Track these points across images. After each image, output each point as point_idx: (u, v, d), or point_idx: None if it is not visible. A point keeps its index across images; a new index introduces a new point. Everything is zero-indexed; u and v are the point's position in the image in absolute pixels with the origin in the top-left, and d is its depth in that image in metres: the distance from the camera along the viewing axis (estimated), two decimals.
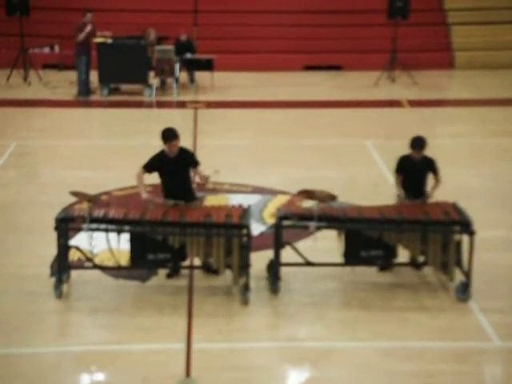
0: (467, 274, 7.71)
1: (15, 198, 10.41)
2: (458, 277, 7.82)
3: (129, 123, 14.44)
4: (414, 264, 8.23)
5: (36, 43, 18.29)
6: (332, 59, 19.57)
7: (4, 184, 10.98)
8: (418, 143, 8.14)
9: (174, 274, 8.15)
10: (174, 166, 7.96)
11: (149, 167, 8.08)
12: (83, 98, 16.11)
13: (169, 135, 7.91)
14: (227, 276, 7.81)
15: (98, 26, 18.49)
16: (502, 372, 6.79)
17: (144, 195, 8.05)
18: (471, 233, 7.62)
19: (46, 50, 18.28)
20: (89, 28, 15.80)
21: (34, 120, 14.48)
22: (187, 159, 8.04)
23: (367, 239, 7.74)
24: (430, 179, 8.34)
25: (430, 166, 8.27)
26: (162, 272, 8.18)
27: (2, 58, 18.14)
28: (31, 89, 16.94)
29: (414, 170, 8.20)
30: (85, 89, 16.16)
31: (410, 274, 8.27)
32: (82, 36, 15.78)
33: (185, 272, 8.20)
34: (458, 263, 7.83)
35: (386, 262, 8.05)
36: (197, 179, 8.22)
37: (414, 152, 8.15)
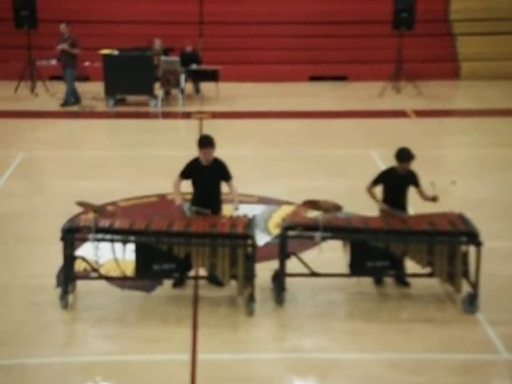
0: (474, 286, 7.67)
1: (22, 209, 10.42)
2: (465, 288, 7.79)
3: (134, 134, 14.46)
4: (401, 280, 8.22)
5: (43, 55, 18.36)
6: (337, 69, 19.60)
7: (11, 195, 11.00)
8: (406, 155, 8.04)
9: (179, 283, 8.13)
10: (206, 175, 8.01)
11: (184, 173, 8.14)
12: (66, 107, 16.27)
13: (204, 142, 8.00)
14: (232, 286, 7.79)
15: (104, 37, 18.65)
16: None
17: (178, 201, 8.06)
18: (478, 244, 7.59)
19: (53, 62, 18.33)
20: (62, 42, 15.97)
21: (41, 131, 14.51)
22: (220, 171, 8.07)
23: (373, 250, 7.72)
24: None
25: (413, 179, 8.18)
26: (167, 282, 8.17)
27: (10, 69, 18.21)
28: (38, 100, 17.00)
29: (398, 183, 8.11)
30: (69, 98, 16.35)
31: (416, 285, 8.23)
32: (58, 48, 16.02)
33: (190, 282, 8.19)
34: (465, 274, 7.80)
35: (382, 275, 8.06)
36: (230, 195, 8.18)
37: (402, 164, 8.06)
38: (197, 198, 8.12)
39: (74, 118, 15.83)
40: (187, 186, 8.24)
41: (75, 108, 16.24)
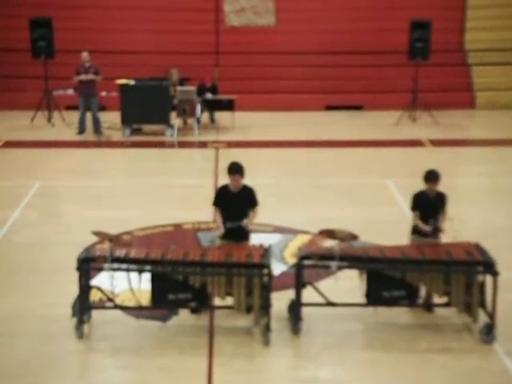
0: (491, 316, 7.61)
1: (37, 238, 10.47)
2: (482, 318, 7.73)
3: (151, 163, 14.54)
4: (426, 305, 8.16)
5: (60, 85, 18.56)
6: (353, 99, 19.66)
7: (26, 224, 11.05)
8: (433, 176, 8.16)
9: (198, 309, 8.10)
10: (234, 202, 8.09)
11: (215, 202, 8.25)
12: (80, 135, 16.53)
13: (232, 169, 8.13)
14: (248, 316, 7.77)
15: (121, 67, 18.86)
16: None
17: (219, 232, 8.16)
18: (495, 273, 7.54)
19: (70, 91, 18.54)
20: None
21: (57, 160, 14.62)
22: (248, 197, 8.16)
23: (389, 279, 7.68)
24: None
25: (443, 201, 8.27)
26: (183, 312, 8.15)
27: (27, 99, 18.39)
28: (55, 130, 17.14)
29: (429, 205, 8.22)
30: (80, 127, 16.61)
31: (433, 315, 8.18)
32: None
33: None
34: (482, 304, 7.74)
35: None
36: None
37: (429, 185, 8.16)
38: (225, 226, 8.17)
39: (90, 147, 15.94)
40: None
41: (93, 138, 16.39)
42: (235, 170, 8.11)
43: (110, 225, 9.87)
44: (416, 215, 8.33)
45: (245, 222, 8.10)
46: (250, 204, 8.18)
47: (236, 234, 8.12)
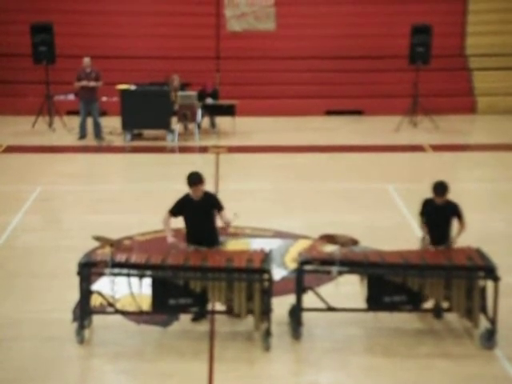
0: (492, 321, 7.60)
1: (38, 243, 10.47)
2: (483, 323, 7.72)
3: (151, 168, 14.55)
4: (435, 312, 8.15)
5: (61, 90, 18.60)
6: (353, 104, 19.69)
7: (27, 229, 11.05)
8: (440, 189, 8.11)
9: (199, 317, 8.10)
10: (198, 210, 8.01)
11: (174, 211, 8.13)
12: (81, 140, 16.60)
13: (193, 179, 7.99)
14: (249, 321, 7.76)
15: (122, 72, 18.90)
16: None
17: (170, 239, 8.08)
18: (496, 279, 7.53)
19: (71, 96, 18.59)
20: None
21: (58, 165, 14.62)
22: (212, 203, 8.09)
23: (390, 284, 7.68)
24: (455, 224, 8.29)
25: (453, 210, 8.22)
26: (184, 317, 8.15)
27: (28, 105, 18.44)
28: (56, 135, 17.16)
29: (437, 214, 8.18)
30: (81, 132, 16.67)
31: (433, 320, 8.17)
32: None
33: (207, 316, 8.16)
34: (483, 309, 7.73)
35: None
36: (220, 223, 8.22)
37: (437, 197, 8.13)
38: (192, 234, 8.11)
39: (91, 152, 15.95)
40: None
41: (94, 143, 16.41)
42: (195, 181, 7.95)
43: (110, 230, 9.88)
44: (421, 221, 8.33)
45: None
46: (216, 209, 8.08)
47: (203, 240, 8.04)
